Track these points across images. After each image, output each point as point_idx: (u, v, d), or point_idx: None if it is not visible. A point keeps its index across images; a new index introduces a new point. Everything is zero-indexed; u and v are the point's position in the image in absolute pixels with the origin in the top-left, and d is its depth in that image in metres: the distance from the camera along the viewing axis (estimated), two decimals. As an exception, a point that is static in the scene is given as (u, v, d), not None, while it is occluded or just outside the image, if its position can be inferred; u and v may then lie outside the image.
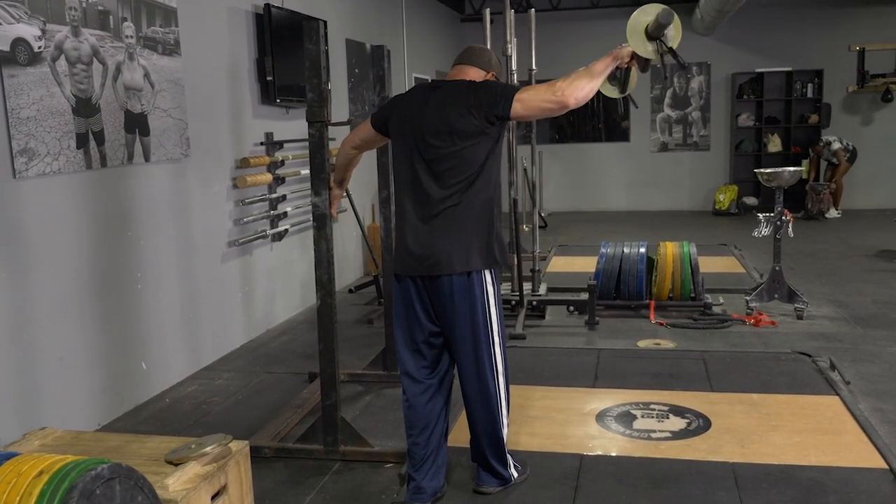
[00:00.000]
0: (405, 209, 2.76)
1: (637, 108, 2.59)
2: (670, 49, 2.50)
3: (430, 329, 2.78)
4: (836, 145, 10.24)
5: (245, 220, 5.13)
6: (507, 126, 2.80)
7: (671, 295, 5.62)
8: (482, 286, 2.71)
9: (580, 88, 2.53)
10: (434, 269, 2.67)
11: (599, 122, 11.91)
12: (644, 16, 2.51)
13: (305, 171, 5.61)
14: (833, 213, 10.36)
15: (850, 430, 3.37)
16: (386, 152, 4.06)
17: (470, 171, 2.66)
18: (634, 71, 2.65)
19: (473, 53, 2.85)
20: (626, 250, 5.76)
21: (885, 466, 3.00)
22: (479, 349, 2.75)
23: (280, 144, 5.55)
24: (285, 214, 5.66)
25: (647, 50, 2.52)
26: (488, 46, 5.27)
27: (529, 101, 2.60)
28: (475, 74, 2.80)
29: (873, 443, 3.20)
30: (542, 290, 5.80)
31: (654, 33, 2.49)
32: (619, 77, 2.63)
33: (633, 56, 2.58)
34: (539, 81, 7.28)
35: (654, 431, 3.44)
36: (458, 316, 2.71)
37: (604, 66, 2.58)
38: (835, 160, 10.30)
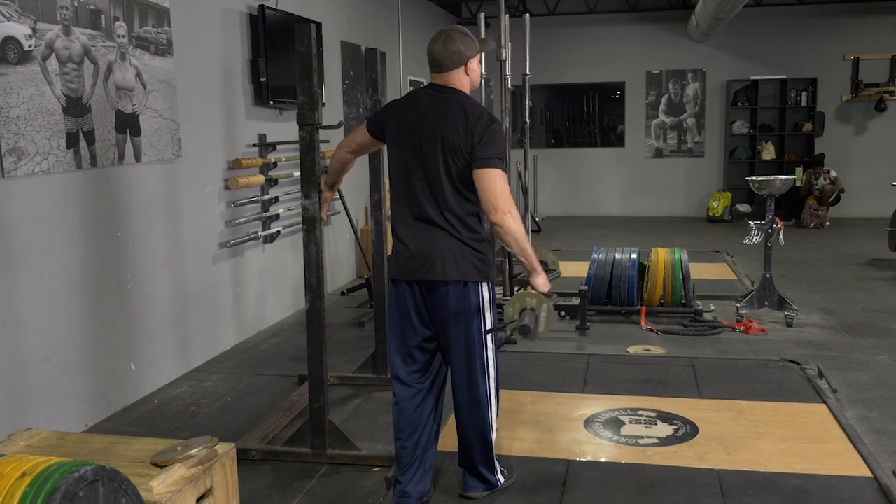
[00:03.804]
0: (400, 214, 2.76)
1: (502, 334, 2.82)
2: (512, 332, 2.63)
3: (424, 334, 2.79)
4: (834, 174, 10.34)
5: (237, 221, 5.12)
6: None
7: (662, 301, 5.64)
8: (478, 294, 2.72)
9: (510, 221, 2.56)
10: (429, 274, 2.68)
11: (595, 127, 11.94)
12: (538, 308, 2.62)
13: (298, 173, 5.60)
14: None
15: (835, 438, 3.38)
16: (378, 156, 4.07)
17: (464, 182, 2.66)
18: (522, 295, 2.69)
19: (444, 59, 2.73)
20: (618, 256, 5.77)
21: (869, 474, 3.01)
22: (472, 355, 2.75)
23: (273, 146, 5.54)
24: (277, 216, 5.65)
25: (510, 314, 2.63)
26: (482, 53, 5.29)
27: (489, 183, 2.59)
28: (458, 75, 2.74)
29: (858, 451, 3.22)
30: (534, 294, 5.80)
31: (519, 318, 2.59)
32: (521, 268, 2.73)
33: (526, 288, 2.69)
34: (534, 86, 7.22)
35: (642, 437, 3.44)
36: (453, 322, 2.72)
37: (531, 261, 2.66)
38: (830, 185, 10.32)
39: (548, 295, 2.67)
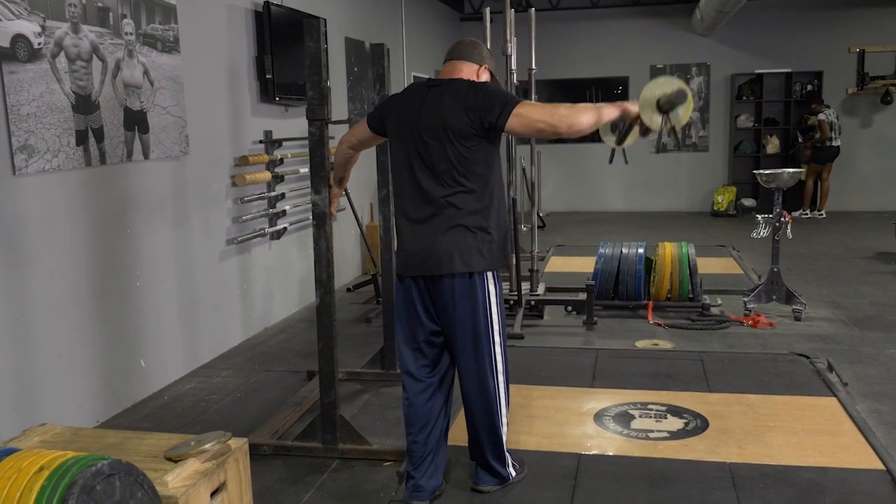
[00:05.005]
0: (405, 210, 2.76)
1: (626, 163, 2.74)
2: (674, 127, 2.55)
3: (431, 328, 2.79)
4: (822, 116, 10.14)
5: (244, 218, 5.13)
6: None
7: (669, 295, 5.63)
8: (484, 287, 2.71)
9: (580, 122, 2.55)
10: (436, 269, 2.67)
11: (598, 122, 11.90)
12: (659, 88, 2.55)
13: (304, 170, 5.62)
14: (816, 214, 10.39)
15: (847, 432, 3.37)
16: (385, 151, 4.07)
17: (469, 172, 2.65)
18: (636, 129, 2.66)
19: (464, 48, 2.82)
20: (625, 251, 5.76)
21: (882, 467, 3.00)
22: (479, 349, 2.75)
23: (279, 143, 5.55)
24: (284, 213, 5.66)
25: (653, 121, 2.55)
26: (488, 46, 5.28)
27: (527, 118, 2.58)
28: (468, 70, 2.78)
29: (870, 444, 3.21)
30: (541, 290, 5.81)
31: (665, 107, 2.53)
32: (620, 128, 2.65)
33: (639, 117, 2.60)
34: (538, 81, 7.23)
35: (652, 431, 3.44)
36: (459, 316, 2.71)
37: (611, 113, 2.61)
38: (816, 129, 10.23)
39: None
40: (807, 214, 10.35)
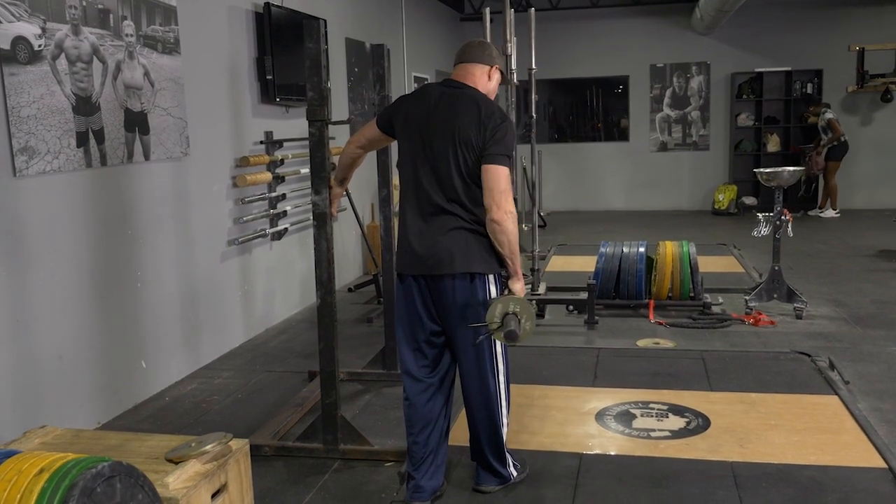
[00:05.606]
0: (408, 208, 2.77)
1: (480, 336, 2.96)
2: (491, 332, 2.67)
3: (432, 328, 2.79)
4: (830, 115, 10.14)
5: (244, 218, 5.13)
6: None
7: (670, 294, 5.63)
8: (485, 288, 2.72)
9: (506, 225, 2.62)
10: (436, 269, 2.68)
11: (598, 121, 11.92)
12: (517, 307, 2.63)
13: (305, 170, 5.62)
14: (830, 213, 10.38)
15: (849, 430, 3.37)
16: (386, 151, 4.07)
17: (471, 176, 2.67)
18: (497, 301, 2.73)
19: (474, 50, 2.84)
20: (626, 250, 5.76)
21: (884, 466, 3.00)
22: (480, 350, 2.75)
23: (280, 143, 5.55)
24: (285, 213, 5.66)
25: (491, 316, 2.64)
26: (488, 46, 5.28)
27: (493, 179, 2.62)
28: (480, 71, 2.81)
29: (872, 442, 3.21)
30: (542, 289, 5.81)
31: (504, 323, 2.62)
32: (505, 275, 2.77)
33: (506, 295, 2.70)
34: (538, 81, 7.21)
35: (654, 430, 3.44)
36: (459, 316, 2.72)
37: (513, 263, 2.70)
38: (827, 131, 10.18)
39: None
40: (836, 213, 10.37)
